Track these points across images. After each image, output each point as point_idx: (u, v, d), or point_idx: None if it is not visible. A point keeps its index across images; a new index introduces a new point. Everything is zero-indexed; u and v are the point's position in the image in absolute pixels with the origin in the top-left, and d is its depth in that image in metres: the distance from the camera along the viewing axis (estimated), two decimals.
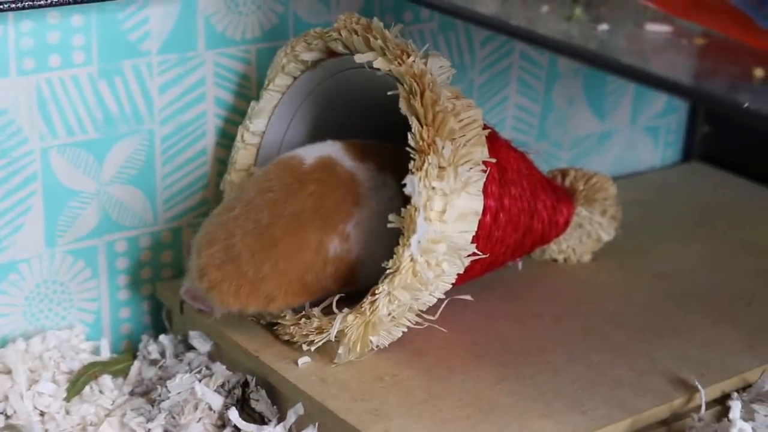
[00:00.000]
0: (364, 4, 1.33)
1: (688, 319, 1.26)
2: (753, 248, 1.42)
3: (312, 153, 1.17)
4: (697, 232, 1.45)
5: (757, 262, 1.38)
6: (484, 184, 1.11)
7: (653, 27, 0.92)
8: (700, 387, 1.13)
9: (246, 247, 1.13)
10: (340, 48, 1.16)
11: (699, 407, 1.13)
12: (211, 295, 1.14)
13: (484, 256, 1.13)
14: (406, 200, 1.09)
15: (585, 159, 1.57)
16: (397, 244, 1.10)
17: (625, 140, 1.60)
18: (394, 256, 1.09)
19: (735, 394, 1.15)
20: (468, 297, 1.19)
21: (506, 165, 1.20)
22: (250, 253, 1.13)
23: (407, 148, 1.09)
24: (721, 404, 1.15)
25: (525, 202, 1.22)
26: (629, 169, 1.62)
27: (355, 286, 1.17)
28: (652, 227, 1.46)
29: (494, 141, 1.16)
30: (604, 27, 0.92)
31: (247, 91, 1.30)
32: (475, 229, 1.10)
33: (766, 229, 1.47)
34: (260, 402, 1.16)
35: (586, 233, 1.35)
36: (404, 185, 1.08)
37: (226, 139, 1.30)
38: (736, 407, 1.12)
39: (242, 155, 1.25)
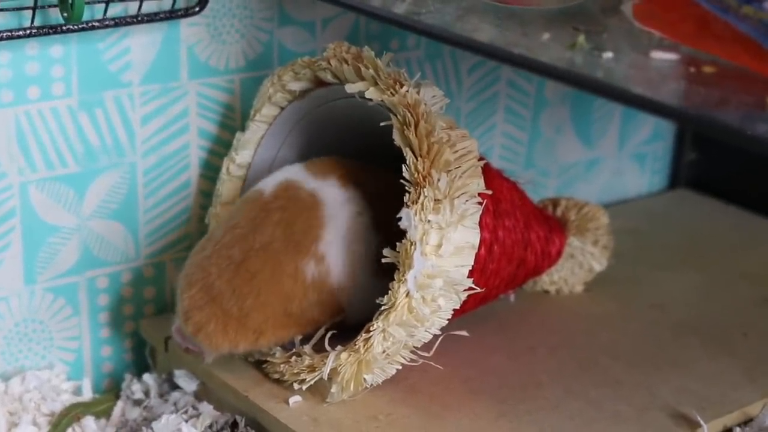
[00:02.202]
0: (350, 32, 1.30)
1: (686, 350, 1.23)
2: (746, 277, 1.39)
3: (272, 181, 1.14)
4: (689, 261, 1.43)
5: (751, 291, 1.36)
6: (479, 216, 1.08)
7: (659, 55, 0.89)
8: (702, 423, 1.10)
9: (225, 284, 1.10)
10: (329, 77, 1.13)
11: None
12: (199, 338, 1.10)
13: (480, 290, 1.10)
14: (376, 215, 1.08)
15: (572, 187, 1.54)
16: (379, 267, 1.07)
17: (612, 168, 1.58)
18: (389, 292, 1.06)
19: (738, 429, 1.12)
20: (464, 333, 1.16)
21: (500, 196, 1.18)
22: (230, 290, 1.10)
23: (402, 180, 1.06)
24: None
25: (519, 234, 1.20)
26: (616, 196, 1.60)
27: (341, 315, 1.14)
28: (643, 256, 1.43)
29: (487, 171, 1.14)
30: (608, 55, 0.89)
31: (231, 121, 1.26)
32: (472, 263, 1.07)
33: (757, 258, 1.45)
34: None
35: (578, 264, 1.32)
36: (399, 219, 1.05)
37: (210, 171, 1.26)
38: None
39: (228, 188, 1.22)
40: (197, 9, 1.18)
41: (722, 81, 0.85)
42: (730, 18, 0.87)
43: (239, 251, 1.10)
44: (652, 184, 1.64)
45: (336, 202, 1.12)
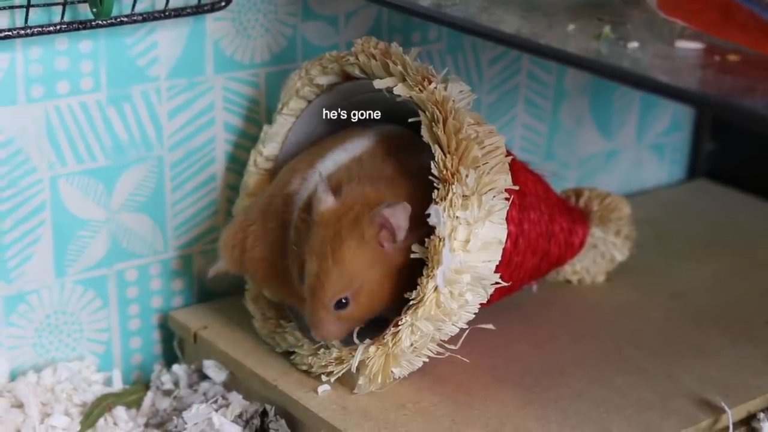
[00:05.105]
0: (372, 25, 1.32)
1: (708, 339, 1.24)
2: (765, 266, 1.40)
3: None
4: (709, 250, 1.44)
5: None
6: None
7: (683, 44, 0.91)
8: (726, 408, 1.11)
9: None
10: (356, 72, 1.14)
11: (726, 429, 1.11)
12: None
13: (506, 284, 1.11)
14: None
15: (592, 178, 1.55)
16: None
17: (631, 159, 1.59)
18: (418, 287, 1.07)
19: (762, 415, 1.13)
20: (490, 326, 1.17)
21: (525, 189, 1.19)
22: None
23: (431, 177, 1.07)
24: (746, 425, 1.14)
25: (543, 226, 1.21)
26: (636, 187, 1.61)
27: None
28: (663, 246, 1.44)
29: (513, 165, 1.15)
30: (634, 45, 0.90)
31: (256, 115, 1.28)
32: (499, 258, 1.08)
33: None
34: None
35: (600, 254, 1.33)
36: (428, 215, 1.06)
37: (236, 165, 1.28)
38: (766, 428, 1.11)
39: (254, 180, 1.23)
40: (223, 4, 1.19)
41: (747, 69, 0.86)
42: (754, 7, 0.89)
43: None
44: (671, 174, 1.65)
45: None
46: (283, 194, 1.15)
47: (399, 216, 1.07)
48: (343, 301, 1.08)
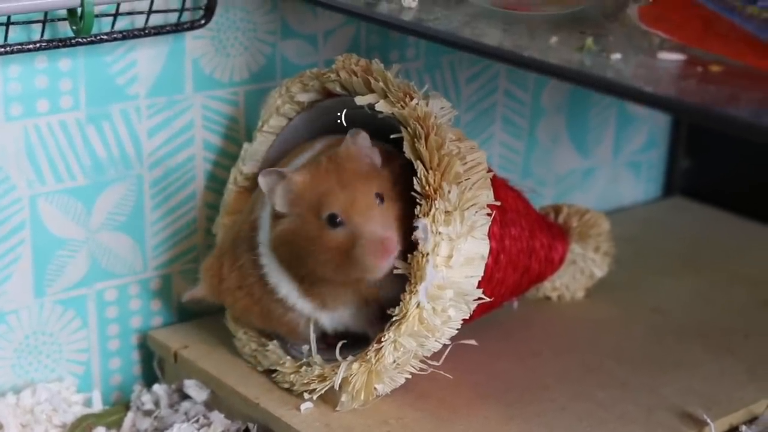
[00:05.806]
0: (351, 43, 1.32)
1: (689, 352, 1.25)
2: (743, 280, 1.41)
3: None
4: (687, 266, 1.45)
5: (749, 294, 1.38)
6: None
7: (666, 55, 0.91)
8: (709, 421, 1.12)
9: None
10: (338, 89, 1.14)
11: None
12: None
13: (488, 299, 1.11)
14: None
15: (569, 195, 1.56)
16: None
17: (607, 176, 1.60)
18: (401, 303, 1.07)
19: (744, 428, 1.14)
20: (473, 342, 1.17)
21: (506, 205, 1.19)
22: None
23: (413, 192, 1.07)
24: None
25: (524, 242, 1.21)
26: (612, 204, 1.61)
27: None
28: (641, 262, 1.45)
29: (494, 181, 1.15)
30: (617, 56, 0.91)
31: (236, 133, 1.28)
32: (482, 273, 1.08)
33: (753, 262, 1.46)
34: None
35: (580, 270, 1.33)
36: (415, 228, 1.06)
37: (215, 183, 1.27)
38: None
39: (234, 198, 1.23)
40: (203, 22, 1.19)
41: (730, 79, 0.87)
42: (735, 18, 0.89)
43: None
44: (647, 192, 1.65)
45: None
46: (250, 220, 1.15)
47: (361, 140, 1.08)
48: (379, 198, 1.07)
